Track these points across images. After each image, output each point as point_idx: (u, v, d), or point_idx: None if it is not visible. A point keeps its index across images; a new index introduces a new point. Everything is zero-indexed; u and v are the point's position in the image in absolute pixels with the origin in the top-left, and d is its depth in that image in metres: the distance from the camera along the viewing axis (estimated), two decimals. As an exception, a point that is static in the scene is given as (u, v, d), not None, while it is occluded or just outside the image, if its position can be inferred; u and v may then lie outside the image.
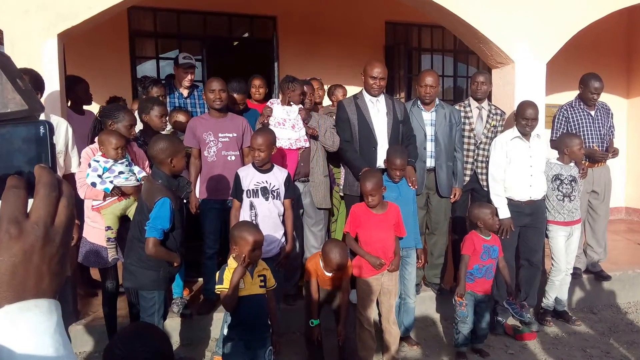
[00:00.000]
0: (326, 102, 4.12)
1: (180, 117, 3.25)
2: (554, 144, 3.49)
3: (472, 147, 3.35)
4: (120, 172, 2.48)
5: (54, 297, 0.43)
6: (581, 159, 3.30)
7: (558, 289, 3.27)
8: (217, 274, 2.13)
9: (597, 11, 3.65)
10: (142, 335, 1.33)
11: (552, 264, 3.25)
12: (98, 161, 2.45)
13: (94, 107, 3.58)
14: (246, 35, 5.41)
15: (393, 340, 2.67)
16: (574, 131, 3.52)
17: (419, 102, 3.23)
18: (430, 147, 3.17)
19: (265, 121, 2.99)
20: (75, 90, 3.27)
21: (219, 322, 2.73)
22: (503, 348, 2.95)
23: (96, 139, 2.53)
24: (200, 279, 3.22)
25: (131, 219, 2.43)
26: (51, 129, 0.45)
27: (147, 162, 2.71)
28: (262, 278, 2.15)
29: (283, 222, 2.66)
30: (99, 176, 2.43)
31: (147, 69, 4.85)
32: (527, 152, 3.15)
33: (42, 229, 0.42)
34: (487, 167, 3.27)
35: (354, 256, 2.63)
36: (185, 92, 3.62)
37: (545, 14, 3.56)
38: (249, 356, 2.09)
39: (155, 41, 4.86)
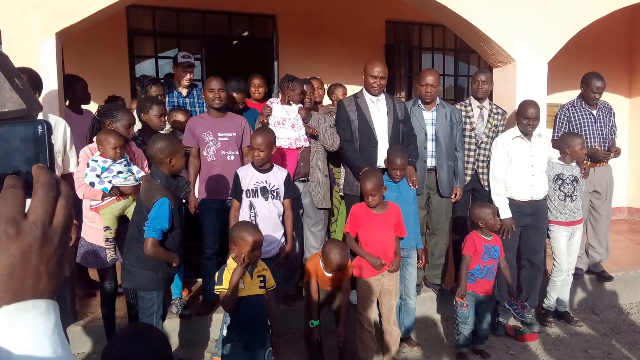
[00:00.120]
0: (326, 101, 4.11)
1: (179, 117, 3.23)
2: (556, 143, 3.48)
3: (473, 147, 3.34)
4: (119, 172, 2.47)
5: (52, 297, 0.42)
6: (583, 159, 3.28)
7: (560, 289, 3.26)
8: (217, 274, 2.12)
9: (598, 10, 3.63)
10: (141, 336, 1.32)
11: (554, 265, 3.23)
12: (96, 161, 2.44)
13: (92, 107, 3.56)
14: (246, 34, 5.40)
15: (393, 341, 2.66)
16: (575, 131, 3.50)
17: (419, 102, 3.22)
18: (431, 146, 3.16)
19: (265, 120, 2.97)
20: (73, 90, 3.25)
21: (218, 323, 2.72)
22: (504, 349, 2.94)
23: (94, 139, 2.52)
24: (200, 280, 3.21)
25: (130, 219, 2.42)
26: (49, 129, 0.45)
27: (145, 162, 2.70)
28: (261, 278, 2.14)
29: (283, 222, 2.65)
30: (98, 176, 2.42)
31: (145, 68, 4.83)
32: (529, 151, 3.13)
33: (40, 229, 0.41)
34: (488, 167, 3.25)
35: (354, 256, 2.62)
36: (184, 92, 3.60)
37: (547, 12, 3.54)
38: (248, 357, 2.08)
39: (154, 40, 4.84)
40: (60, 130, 2.59)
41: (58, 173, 2.53)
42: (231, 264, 2.08)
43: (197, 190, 2.97)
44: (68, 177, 2.59)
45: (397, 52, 5.30)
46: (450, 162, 3.19)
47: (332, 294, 2.57)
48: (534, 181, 3.13)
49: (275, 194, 2.60)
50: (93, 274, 3.05)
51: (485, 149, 3.32)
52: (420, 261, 2.85)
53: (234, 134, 2.97)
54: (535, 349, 2.96)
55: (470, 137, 3.34)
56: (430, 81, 3.12)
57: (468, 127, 3.34)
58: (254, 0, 4.78)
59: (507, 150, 3.13)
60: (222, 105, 2.96)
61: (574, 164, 3.21)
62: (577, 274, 3.49)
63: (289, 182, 2.66)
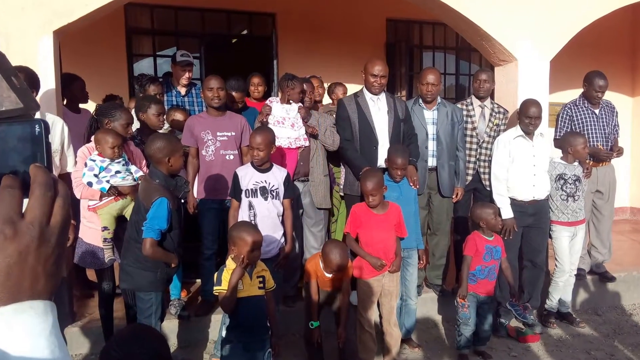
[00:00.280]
0: (326, 100, 4.09)
1: (178, 116, 3.22)
2: (558, 142, 3.46)
3: (474, 146, 3.32)
4: (117, 172, 2.45)
5: (49, 298, 0.42)
6: (585, 158, 3.27)
7: (562, 290, 3.24)
8: (216, 275, 2.10)
9: (601, 8, 3.61)
10: (139, 337, 1.31)
11: (556, 265, 3.22)
12: (94, 160, 2.42)
13: (90, 106, 3.55)
14: (245, 32, 5.37)
15: (394, 343, 2.65)
16: (578, 130, 3.48)
17: (420, 101, 3.19)
18: (432, 146, 3.14)
19: (264, 120, 2.96)
20: (71, 89, 3.24)
21: (218, 324, 2.70)
22: (506, 350, 2.93)
23: (92, 138, 2.50)
24: (198, 280, 3.19)
25: (128, 219, 2.40)
26: (47, 128, 0.45)
27: (144, 162, 2.68)
28: (261, 279, 2.13)
29: (282, 222, 2.64)
30: (95, 176, 2.41)
31: (144, 66, 4.80)
32: (531, 151, 3.11)
33: (38, 229, 0.41)
34: (489, 167, 3.23)
35: (355, 257, 2.61)
36: (183, 90, 3.58)
37: (549, 10, 3.52)
38: (247, 358, 2.08)
39: (153, 38, 4.82)
40: (58, 130, 2.58)
41: (55, 173, 2.51)
42: (230, 264, 2.06)
43: (196, 190, 2.96)
44: (66, 177, 2.57)
45: (398, 51, 5.28)
46: (452, 162, 3.17)
47: (332, 295, 2.55)
48: (536, 181, 3.11)
49: (274, 193, 2.58)
50: (91, 275, 3.04)
51: (486, 148, 3.30)
52: (421, 262, 2.83)
53: (233, 133, 2.95)
54: (537, 350, 2.94)
55: (471, 136, 3.32)
56: (431, 80, 3.10)
57: (469, 126, 3.32)
58: (254, -1, 4.77)
59: (508, 150, 3.11)
60: (221, 105, 2.94)
61: (576, 163, 3.19)
62: (580, 275, 3.47)
63: (288, 182, 2.64)
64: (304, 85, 3.10)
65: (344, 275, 2.49)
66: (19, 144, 0.44)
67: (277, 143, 2.70)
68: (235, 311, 2.04)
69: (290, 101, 3.00)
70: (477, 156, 3.32)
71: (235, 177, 2.60)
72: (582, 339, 3.08)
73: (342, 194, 3.19)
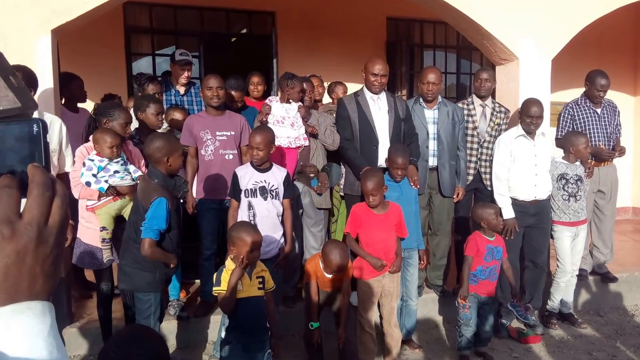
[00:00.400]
0: (326, 99, 4.08)
1: (177, 115, 3.20)
2: (560, 142, 3.45)
3: (475, 146, 3.30)
4: (116, 171, 2.44)
5: (47, 299, 0.42)
6: (587, 158, 3.25)
7: (563, 290, 3.23)
8: (215, 275, 2.09)
9: (603, 7, 3.58)
10: (138, 338, 1.30)
11: (558, 266, 3.20)
12: (93, 160, 2.41)
13: (88, 105, 3.53)
14: (244, 31, 5.35)
15: (394, 344, 2.64)
16: (579, 129, 3.47)
17: (421, 100, 3.18)
18: (432, 145, 3.12)
19: (264, 119, 2.94)
20: (69, 88, 3.22)
21: (217, 325, 2.69)
22: (507, 351, 2.92)
23: (91, 138, 2.49)
24: (198, 281, 3.18)
25: (126, 219, 2.39)
26: (45, 127, 0.45)
27: (142, 161, 2.67)
28: (260, 280, 2.12)
29: (282, 222, 2.62)
30: (94, 175, 2.39)
31: (142, 65, 4.78)
32: (532, 150, 3.09)
33: (36, 229, 0.41)
34: (490, 166, 3.22)
35: (355, 257, 2.60)
36: (182, 90, 3.56)
37: (550, 9, 3.50)
38: (247, 359, 2.05)
39: (151, 37, 4.80)
40: (56, 129, 2.57)
41: (54, 172, 2.50)
42: (230, 265, 2.05)
43: (195, 190, 2.94)
44: (64, 177, 2.56)
45: (399, 50, 5.25)
46: (452, 162, 3.15)
47: (332, 296, 2.54)
48: (538, 181, 3.09)
49: (274, 193, 2.57)
50: (89, 275, 3.02)
51: (487, 148, 3.28)
52: (422, 262, 2.82)
53: (233, 133, 2.93)
54: (539, 351, 2.93)
55: (472, 135, 3.30)
56: (432, 79, 3.08)
57: (470, 125, 3.30)
58: (253, -3, 4.74)
59: (510, 150, 3.09)
60: (220, 104, 2.92)
61: (578, 163, 3.17)
62: (581, 275, 3.45)
63: (288, 182, 2.63)
64: (304, 85, 3.09)
65: (344, 275, 2.47)
66: (16, 143, 0.44)
67: (276, 142, 2.69)
68: (235, 312, 2.03)
69: (290, 100, 2.98)
70: (478, 156, 3.30)
71: (235, 177, 2.58)
72: (584, 340, 3.07)
73: (342, 193, 3.17)
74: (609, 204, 3.57)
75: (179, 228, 2.30)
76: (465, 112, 3.30)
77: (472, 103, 3.35)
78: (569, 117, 3.56)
